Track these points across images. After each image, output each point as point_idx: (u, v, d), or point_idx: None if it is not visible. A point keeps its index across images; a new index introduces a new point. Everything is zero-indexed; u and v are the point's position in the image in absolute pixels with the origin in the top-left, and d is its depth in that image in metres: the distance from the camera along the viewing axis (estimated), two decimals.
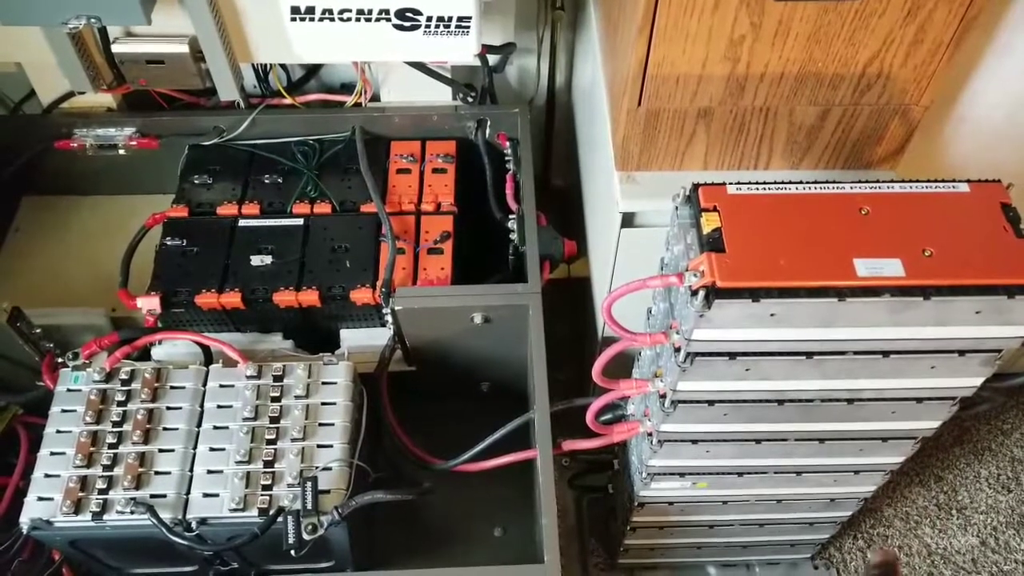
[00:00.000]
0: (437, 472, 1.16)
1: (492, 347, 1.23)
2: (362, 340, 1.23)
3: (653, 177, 0.99)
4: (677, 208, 0.80)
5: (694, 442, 0.95)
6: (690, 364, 0.80)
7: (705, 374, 0.82)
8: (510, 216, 1.27)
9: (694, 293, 0.72)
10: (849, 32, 0.81)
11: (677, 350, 0.81)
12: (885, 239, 0.72)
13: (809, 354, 0.78)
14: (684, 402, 0.87)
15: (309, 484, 0.99)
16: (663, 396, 0.88)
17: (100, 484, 1.00)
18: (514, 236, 1.25)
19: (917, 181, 0.76)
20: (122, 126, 1.30)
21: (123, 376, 1.07)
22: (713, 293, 0.71)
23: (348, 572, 1.17)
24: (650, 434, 0.95)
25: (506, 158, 1.32)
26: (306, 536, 0.97)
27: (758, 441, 0.94)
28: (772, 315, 0.72)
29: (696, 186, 0.79)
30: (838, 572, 1.43)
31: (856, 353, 0.78)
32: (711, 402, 0.87)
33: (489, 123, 1.33)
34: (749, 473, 1.02)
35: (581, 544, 1.44)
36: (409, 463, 1.18)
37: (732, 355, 0.78)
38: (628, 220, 0.99)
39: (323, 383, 1.09)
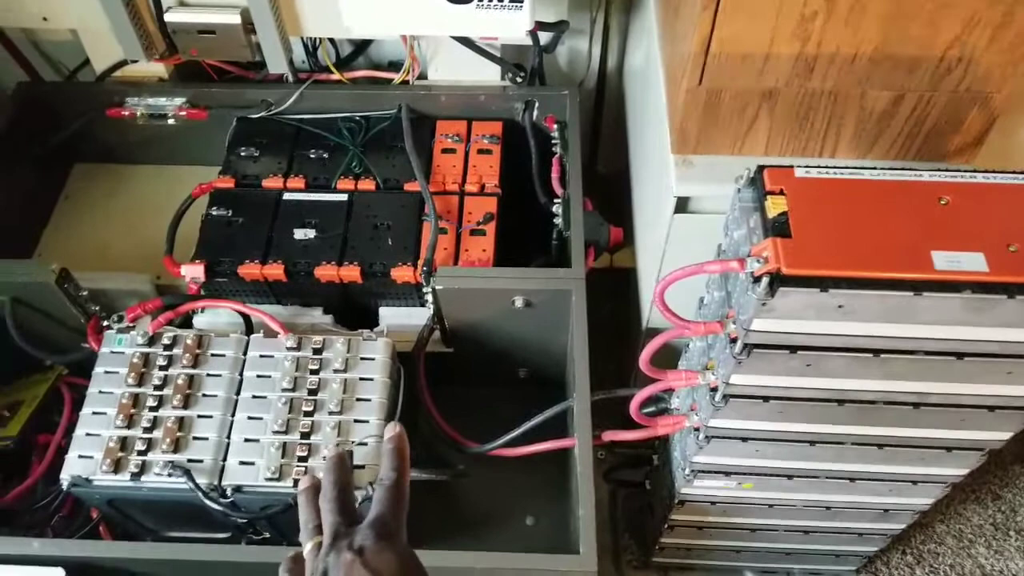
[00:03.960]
0: (471, 455, 1.11)
1: (532, 332, 1.18)
2: (401, 319, 1.18)
3: (710, 161, 0.92)
4: (740, 190, 0.74)
5: (743, 440, 0.88)
6: (746, 356, 0.74)
7: (761, 368, 0.76)
8: (555, 200, 1.21)
9: (756, 280, 0.66)
10: (930, 12, 0.74)
11: (733, 341, 0.75)
12: (966, 232, 0.66)
13: (876, 351, 0.71)
14: (736, 397, 0.81)
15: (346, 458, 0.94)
16: (714, 389, 0.82)
17: (139, 445, 0.97)
18: (558, 220, 1.20)
19: (1003, 172, 0.69)
20: (172, 96, 1.26)
21: (165, 341, 1.04)
22: (777, 280, 0.65)
23: None
24: (697, 429, 0.89)
25: (553, 141, 1.26)
26: None
27: (812, 443, 0.88)
28: (839, 307, 0.66)
29: (761, 168, 0.72)
30: None
31: (927, 353, 0.71)
32: (765, 398, 0.80)
33: (537, 105, 1.27)
34: (799, 476, 0.96)
35: (614, 540, 1.38)
36: (443, 445, 1.12)
37: (792, 348, 0.72)
38: (682, 205, 0.93)
39: (362, 358, 1.05)
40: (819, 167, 0.71)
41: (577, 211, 1.15)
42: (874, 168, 0.70)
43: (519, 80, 1.26)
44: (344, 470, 0.59)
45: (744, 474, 0.96)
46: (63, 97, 1.29)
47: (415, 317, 1.18)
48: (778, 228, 0.68)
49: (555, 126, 1.27)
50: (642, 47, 1.20)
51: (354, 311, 1.19)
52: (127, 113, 1.26)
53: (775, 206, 0.69)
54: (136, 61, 1.21)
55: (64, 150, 1.32)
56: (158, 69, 1.27)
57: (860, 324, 0.68)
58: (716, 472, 0.96)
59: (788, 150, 0.92)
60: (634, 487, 1.30)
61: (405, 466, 0.61)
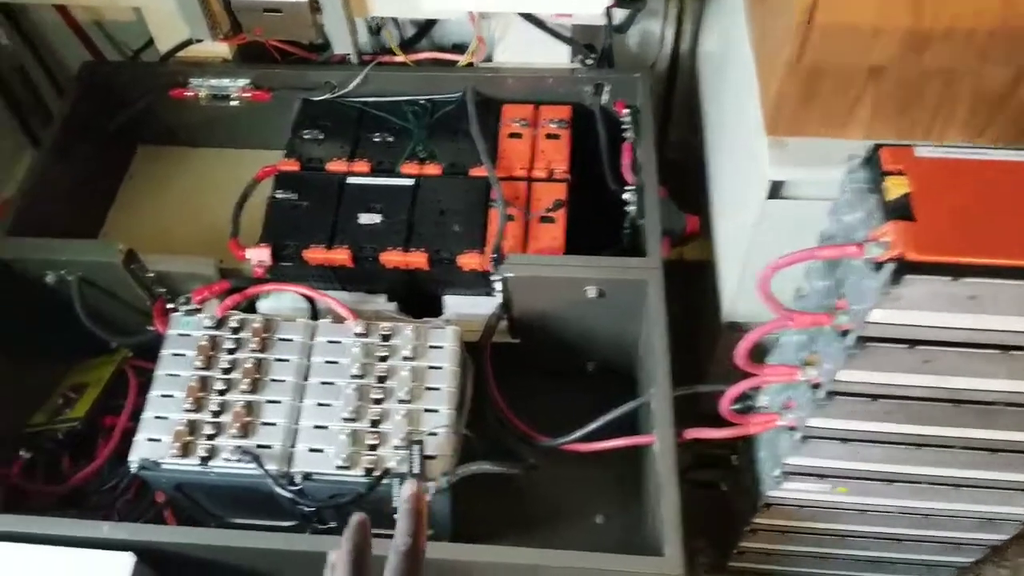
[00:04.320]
0: (540, 449, 1.07)
1: (603, 324, 1.14)
2: (465, 308, 1.15)
3: (807, 144, 0.87)
4: (852, 171, 0.69)
5: (843, 441, 0.83)
6: (859, 350, 0.69)
7: (873, 363, 0.71)
8: (626, 188, 1.17)
9: (877, 267, 0.61)
10: None
11: (844, 333, 0.70)
12: None
13: (1005, 348, 0.66)
14: (842, 394, 0.75)
15: (416, 448, 0.91)
16: (816, 386, 0.77)
17: (208, 430, 0.95)
18: (631, 208, 1.15)
19: None
20: (236, 77, 1.24)
21: (233, 324, 1.01)
22: (904, 267, 0.60)
23: (445, 542, 1.09)
24: (792, 428, 0.85)
25: (623, 127, 1.22)
26: None
27: (918, 446, 0.82)
28: (971, 297, 0.61)
29: (877, 147, 0.67)
30: None
31: None
32: (874, 396, 0.75)
33: (607, 88, 1.23)
34: (900, 481, 0.90)
35: (686, 542, 1.32)
36: (511, 437, 1.09)
37: (911, 343, 0.67)
38: (776, 190, 0.88)
39: (430, 347, 1.02)
40: (941, 145, 0.66)
41: (652, 198, 1.11)
42: (998, 146, 0.65)
43: (589, 62, 1.22)
44: (364, 535, 0.54)
45: (839, 477, 0.91)
46: (127, 77, 1.27)
47: (480, 306, 1.14)
48: (899, 211, 0.63)
49: (625, 110, 1.22)
50: (720, 27, 1.16)
51: (418, 299, 1.16)
52: (190, 94, 1.24)
53: (895, 187, 0.64)
54: (200, 41, 1.19)
55: (128, 131, 1.30)
56: (222, 50, 1.24)
57: (990, 317, 0.63)
58: (809, 475, 0.91)
59: (892, 132, 0.86)
60: (708, 488, 1.25)
61: (422, 530, 0.55)
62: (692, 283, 1.31)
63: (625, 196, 1.16)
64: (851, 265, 0.67)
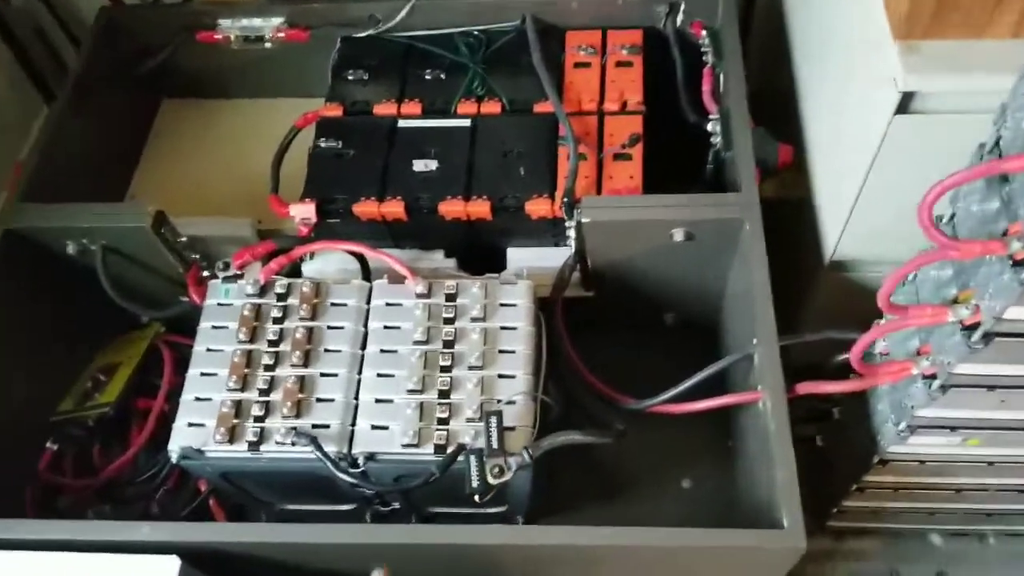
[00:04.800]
0: (625, 412, 0.96)
1: (688, 271, 1.01)
2: (532, 260, 1.02)
3: (943, 48, 0.72)
4: None
5: (990, 388, 0.71)
6: None
7: None
8: (708, 118, 1.03)
9: None
10: None
11: (1018, 264, 0.57)
12: None
13: None
14: (1006, 335, 0.63)
15: (494, 419, 0.80)
16: (970, 327, 0.64)
17: (256, 411, 0.84)
18: (716, 140, 1.02)
19: None
20: (269, 15, 1.11)
21: (279, 290, 0.90)
22: None
23: (521, 523, 0.99)
24: (930, 376, 0.72)
25: (703, 50, 1.08)
26: (492, 480, 0.78)
27: None
28: None
29: None
30: None
31: None
32: None
33: (683, 8, 1.08)
34: None
35: None
36: (592, 400, 0.97)
37: None
38: (905, 103, 0.74)
39: (501, 305, 0.90)
40: None
41: (742, 125, 0.97)
42: None
43: None
44: None
45: (974, 428, 0.79)
46: (149, 22, 1.15)
47: (547, 258, 1.02)
48: None
49: (703, 32, 1.08)
50: None
51: (479, 253, 1.04)
52: (220, 37, 1.12)
53: None
54: None
55: (153, 82, 1.19)
56: None
57: None
58: (941, 427, 0.78)
59: None
60: (801, 442, 1.12)
61: None
62: (779, 222, 1.17)
63: (708, 127, 1.02)
64: None
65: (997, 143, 0.60)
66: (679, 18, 1.09)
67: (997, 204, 0.60)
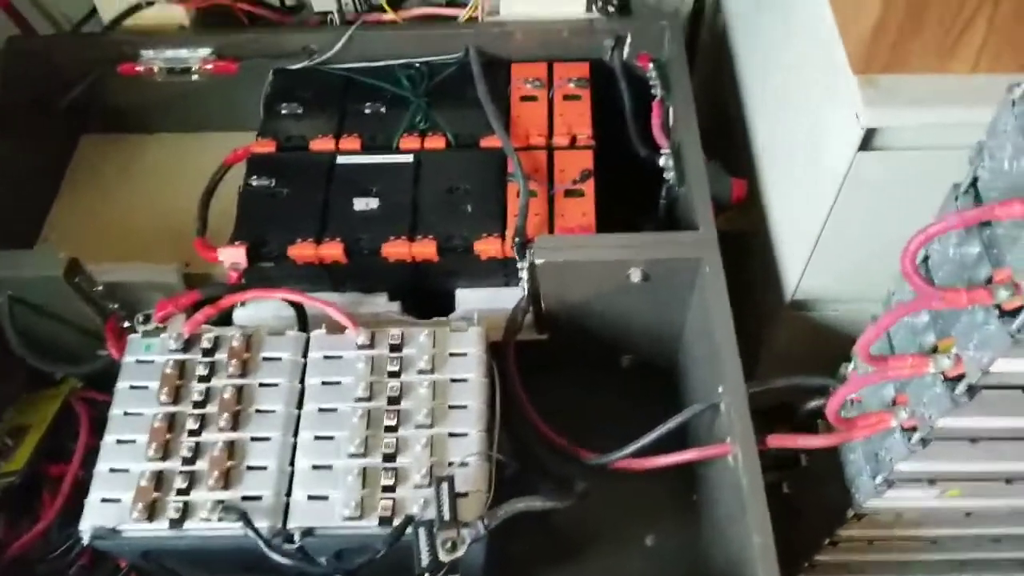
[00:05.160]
0: (582, 467, 0.90)
1: (645, 312, 0.96)
2: (481, 302, 0.96)
3: (904, 82, 0.69)
4: (1015, 104, 0.51)
5: (973, 441, 0.67)
6: None
7: None
8: (660, 152, 0.99)
9: None
10: None
11: (1007, 314, 0.53)
12: None
13: None
14: (992, 387, 0.58)
15: (445, 486, 0.72)
16: (954, 379, 0.60)
17: (179, 483, 0.75)
18: (669, 175, 0.98)
19: None
20: (196, 46, 1.04)
21: (205, 344, 0.81)
22: None
23: None
24: (909, 429, 0.67)
25: (650, 83, 1.04)
26: (444, 556, 0.71)
27: None
28: None
29: None
30: None
31: None
32: None
33: (629, 40, 1.04)
34: (1023, 479, 0.74)
35: None
36: (548, 454, 0.91)
37: None
38: (868, 139, 0.70)
39: (451, 354, 0.83)
40: None
41: (696, 160, 0.93)
42: None
43: (611, 9, 1.03)
44: None
45: (955, 480, 0.75)
46: (65, 52, 1.06)
47: (498, 300, 0.95)
48: None
49: (651, 65, 1.04)
50: None
51: (425, 295, 0.97)
52: (142, 69, 1.04)
53: None
54: (152, 4, 1.00)
55: (69, 118, 1.10)
56: (178, 15, 1.04)
57: None
58: (920, 480, 0.74)
59: (1003, 64, 0.69)
60: (768, 489, 1.08)
61: None
62: (731, 257, 1.14)
63: (660, 161, 0.98)
64: (1017, 228, 0.50)
65: (973, 183, 0.57)
66: (625, 51, 1.05)
67: (977, 248, 0.56)
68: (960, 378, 0.59)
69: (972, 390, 0.59)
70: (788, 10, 0.87)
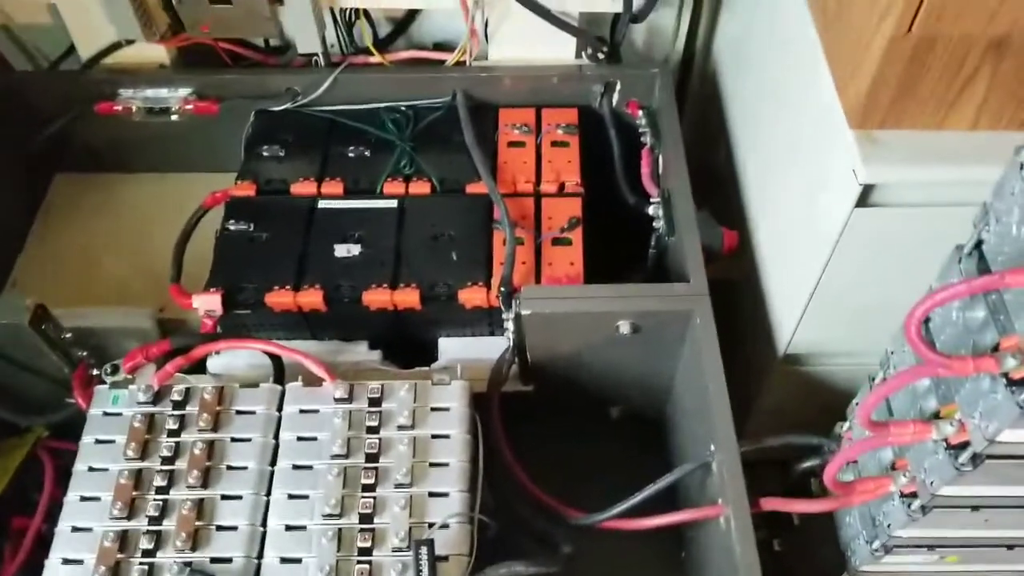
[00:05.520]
0: (571, 526, 0.86)
1: (634, 364, 0.93)
2: (465, 351, 0.94)
3: (902, 138, 0.68)
4: (1023, 167, 0.50)
5: (975, 508, 0.64)
6: None
7: None
8: (650, 201, 0.97)
9: None
10: None
11: (1015, 383, 0.51)
12: None
13: None
14: (998, 457, 0.56)
15: (425, 550, 0.69)
16: (957, 447, 0.58)
17: (145, 543, 0.71)
18: (658, 224, 0.96)
19: None
20: (176, 86, 1.02)
21: (175, 396, 0.78)
22: None
23: None
24: (909, 495, 0.65)
25: (640, 130, 1.02)
26: None
27: None
28: None
29: None
30: None
31: None
32: None
33: (619, 87, 1.03)
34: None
35: None
36: (533, 513, 0.87)
37: None
38: (866, 196, 0.69)
39: (432, 408, 0.80)
40: None
41: (687, 210, 0.91)
42: None
43: (601, 56, 1.02)
44: None
45: (954, 547, 0.72)
46: (41, 90, 1.04)
47: (482, 350, 0.93)
48: None
49: (640, 112, 1.03)
50: (753, 12, 0.97)
51: (406, 344, 0.95)
52: (120, 108, 1.01)
53: None
54: (132, 43, 0.98)
55: (43, 156, 1.07)
56: (158, 54, 1.02)
57: None
58: (919, 546, 0.71)
59: (1003, 122, 0.69)
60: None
61: None
62: (720, 307, 1.12)
63: (649, 211, 0.96)
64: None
65: (978, 245, 0.55)
66: (615, 97, 1.04)
67: (983, 314, 0.54)
68: (964, 445, 0.57)
69: (976, 459, 0.57)
70: (782, 62, 0.87)
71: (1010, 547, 0.73)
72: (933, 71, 0.65)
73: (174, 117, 1.02)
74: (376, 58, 1.04)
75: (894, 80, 0.65)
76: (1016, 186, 0.51)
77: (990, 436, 0.54)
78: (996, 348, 0.53)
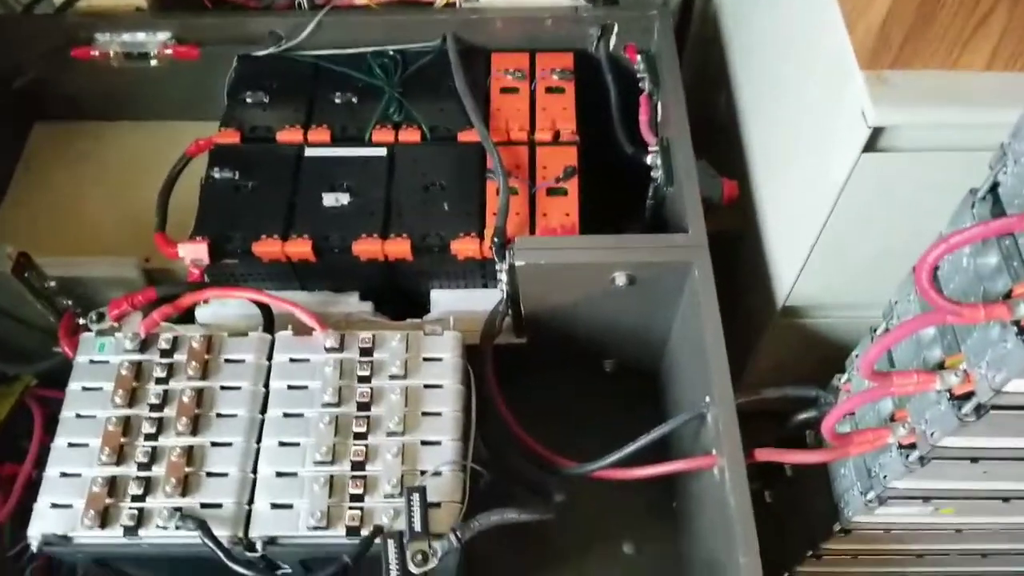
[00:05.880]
0: (561, 475, 0.85)
1: (630, 317, 0.93)
2: (458, 303, 0.93)
3: (913, 79, 0.66)
4: None
5: (974, 460, 0.64)
6: None
7: None
8: (648, 150, 0.95)
9: None
10: None
11: None
12: None
13: None
14: (1003, 408, 0.55)
15: (416, 496, 0.69)
16: (960, 398, 0.57)
17: (134, 488, 0.72)
18: (657, 174, 0.94)
19: None
20: (155, 30, 0.99)
21: (163, 345, 0.78)
22: None
23: None
24: (907, 446, 0.64)
25: (638, 76, 1.00)
26: (414, 569, 0.68)
27: None
28: None
29: None
30: None
31: None
32: None
33: (616, 30, 1.00)
34: (1020, 498, 0.71)
35: None
36: (526, 463, 0.87)
37: None
38: (875, 140, 0.67)
39: (424, 359, 0.79)
40: None
41: (687, 160, 0.89)
42: None
43: None
44: None
45: (950, 498, 0.72)
46: (14, 35, 1.01)
47: (475, 301, 0.92)
48: None
49: (639, 57, 1.00)
50: None
51: (397, 295, 0.93)
52: (97, 54, 0.99)
53: None
54: None
55: (21, 104, 1.05)
56: None
57: None
58: (915, 497, 0.71)
59: (1021, 62, 0.66)
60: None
61: None
62: (718, 259, 1.10)
63: (647, 160, 0.94)
64: None
65: (993, 188, 0.53)
66: (612, 41, 1.02)
67: (995, 259, 0.53)
68: (968, 396, 0.56)
69: (980, 409, 0.56)
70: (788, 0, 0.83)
71: (1006, 499, 0.73)
72: (948, 6, 0.63)
73: (153, 63, 0.99)
74: (362, 0, 1.00)
75: (907, 16, 0.64)
76: None
77: (997, 386, 0.53)
78: (1008, 295, 0.51)
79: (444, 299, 0.94)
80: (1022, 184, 0.50)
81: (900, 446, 0.66)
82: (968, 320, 0.50)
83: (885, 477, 0.69)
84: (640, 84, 1.00)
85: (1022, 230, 0.47)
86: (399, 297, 0.94)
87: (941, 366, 0.59)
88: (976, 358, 0.54)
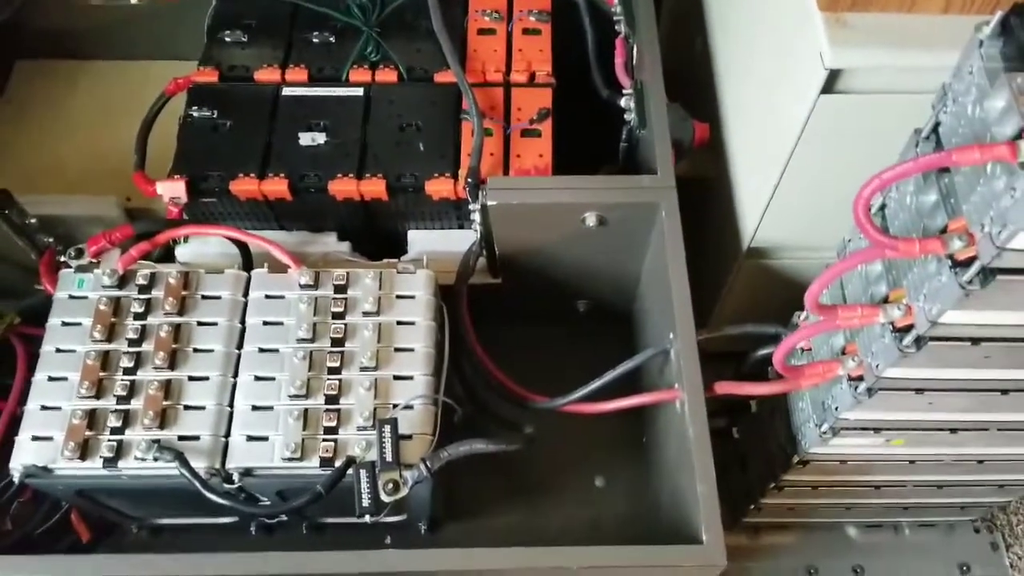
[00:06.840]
0: (534, 411, 0.88)
1: (601, 257, 0.94)
2: (434, 244, 0.94)
3: (871, 21, 0.67)
4: (983, 44, 0.49)
5: (919, 391, 0.66)
6: (981, 286, 0.50)
7: (996, 302, 0.52)
8: (622, 92, 0.95)
9: None
10: None
11: (959, 264, 0.51)
12: None
13: None
14: (940, 339, 0.57)
15: (388, 428, 0.71)
16: (902, 330, 0.59)
17: (113, 421, 0.73)
18: (630, 116, 0.94)
19: None
20: None
21: (141, 281, 0.79)
22: None
23: (424, 530, 0.91)
24: (856, 378, 0.67)
25: (615, 19, 0.99)
26: (385, 497, 0.70)
27: (1005, 392, 0.66)
28: None
29: (1020, 7, 0.47)
30: (1003, 536, 1.15)
31: None
32: (977, 340, 0.57)
33: None
34: (967, 430, 0.74)
35: None
36: (498, 399, 0.89)
37: None
38: (832, 82, 0.68)
39: (398, 296, 0.81)
40: None
41: (659, 102, 0.90)
42: None
43: None
44: None
45: (899, 430, 0.74)
46: None
47: (451, 242, 0.93)
48: None
49: (615, 0, 1.00)
50: None
51: (375, 235, 0.94)
52: None
53: None
54: None
55: (1, 44, 1.04)
56: None
57: None
58: (865, 429, 0.74)
59: (977, 5, 0.67)
60: (716, 434, 1.07)
61: None
62: (691, 203, 1.11)
63: (621, 103, 0.95)
64: (986, 174, 0.48)
65: (935, 128, 0.54)
66: None
67: (935, 197, 0.55)
68: (909, 328, 0.58)
69: (920, 341, 0.58)
70: None
71: (953, 431, 0.75)
72: None
73: (134, 1, 0.98)
74: None
75: None
76: (974, 64, 0.50)
77: (933, 318, 0.55)
78: (944, 230, 0.53)
79: (421, 239, 0.95)
80: (959, 122, 0.51)
81: (850, 378, 0.68)
82: (904, 254, 0.52)
83: (837, 409, 0.71)
84: (616, 27, 0.99)
85: (951, 164, 0.48)
86: (378, 238, 0.95)
87: (886, 300, 0.61)
88: (915, 292, 0.56)
